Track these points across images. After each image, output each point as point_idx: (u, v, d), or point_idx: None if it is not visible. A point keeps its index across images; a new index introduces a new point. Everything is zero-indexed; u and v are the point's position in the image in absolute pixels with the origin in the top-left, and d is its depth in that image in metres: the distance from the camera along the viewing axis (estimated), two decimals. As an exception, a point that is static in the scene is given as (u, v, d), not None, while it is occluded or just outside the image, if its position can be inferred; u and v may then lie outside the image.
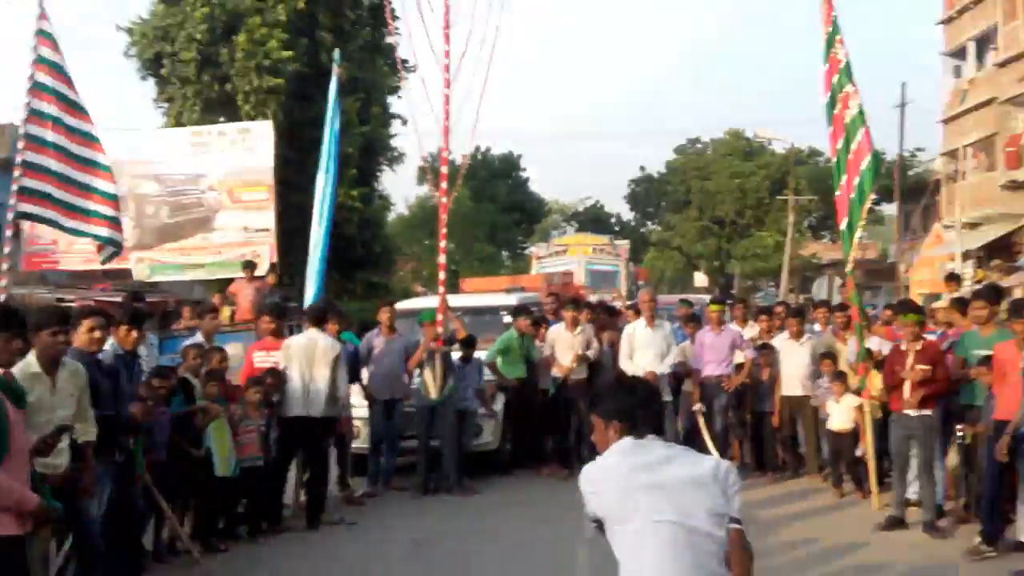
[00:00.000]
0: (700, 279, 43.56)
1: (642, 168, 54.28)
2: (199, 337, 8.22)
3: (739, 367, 9.55)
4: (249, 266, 13.57)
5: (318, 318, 8.36)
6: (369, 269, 23.86)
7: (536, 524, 7.90)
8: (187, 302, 11.73)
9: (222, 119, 20.12)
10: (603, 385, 3.83)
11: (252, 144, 16.96)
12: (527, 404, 9.89)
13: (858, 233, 8.48)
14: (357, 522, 8.03)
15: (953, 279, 12.02)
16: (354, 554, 7.09)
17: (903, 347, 7.45)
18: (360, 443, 9.35)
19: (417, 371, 9.15)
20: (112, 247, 8.23)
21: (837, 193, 8.58)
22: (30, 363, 4.77)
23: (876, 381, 8.05)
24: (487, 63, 9.20)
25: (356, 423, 9.18)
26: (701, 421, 9.32)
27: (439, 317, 9.23)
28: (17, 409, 4.02)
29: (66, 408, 4.95)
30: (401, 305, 10.80)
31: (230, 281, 14.19)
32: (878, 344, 8.62)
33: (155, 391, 6.49)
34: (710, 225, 48.11)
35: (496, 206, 45.92)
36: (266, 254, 16.11)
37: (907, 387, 7.31)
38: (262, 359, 8.21)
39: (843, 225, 8.62)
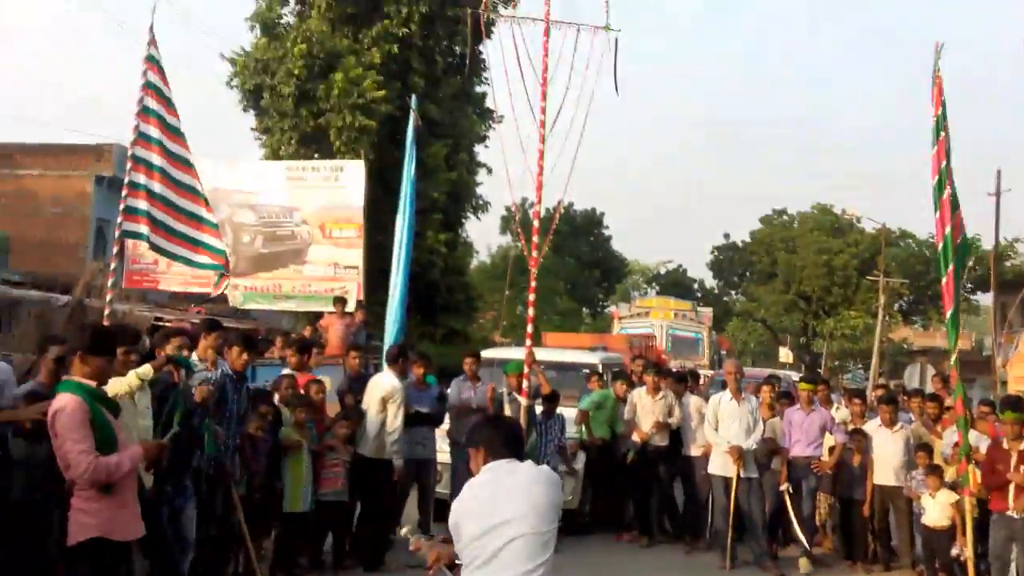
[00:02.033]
0: (785, 354, 42.58)
1: (726, 236, 53.75)
2: (287, 369, 8.32)
3: (830, 450, 9.25)
4: (340, 302, 13.80)
5: (394, 358, 8.41)
6: (451, 315, 24.00)
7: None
8: (278, 332, 11.96)
9: (316, 155, 20.67)
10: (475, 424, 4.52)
11: (344, 181, 17.34)
12: (609, 466, 9.74)
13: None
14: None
15: None
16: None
17: (1005, 445, 7.11)
18: (443, 488, 9.35)
19: (499, 423, 9.09)
20: (215, 270, 8.39)
21: (944, 280, 8.30)
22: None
23: (975, 478, 7.68)
24: (582, 122, 9.14)
25: (440, 467, 9.21)
26: (788, 501, 9.02)
27: (525, 370, 9.20)
28: (115, 417, 4.25)
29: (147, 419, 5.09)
30: (485, 354, 10.81)
31: (319, 315, 14.43)
32: (975, 440, 8.24)
33: (263, 417, 6.58)
34: (796, 300, 47.19)
35: (577, 261, 45.96)
36: (354, 291, 16.36)
37: (1012, 488, 6.96)
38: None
39: (949, 313, 8.32)
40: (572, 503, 9.60)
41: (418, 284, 22.87)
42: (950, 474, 8.38)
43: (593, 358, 11.76)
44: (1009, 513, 6.97)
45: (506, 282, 26.61)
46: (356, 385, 8.43)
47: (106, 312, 7.69)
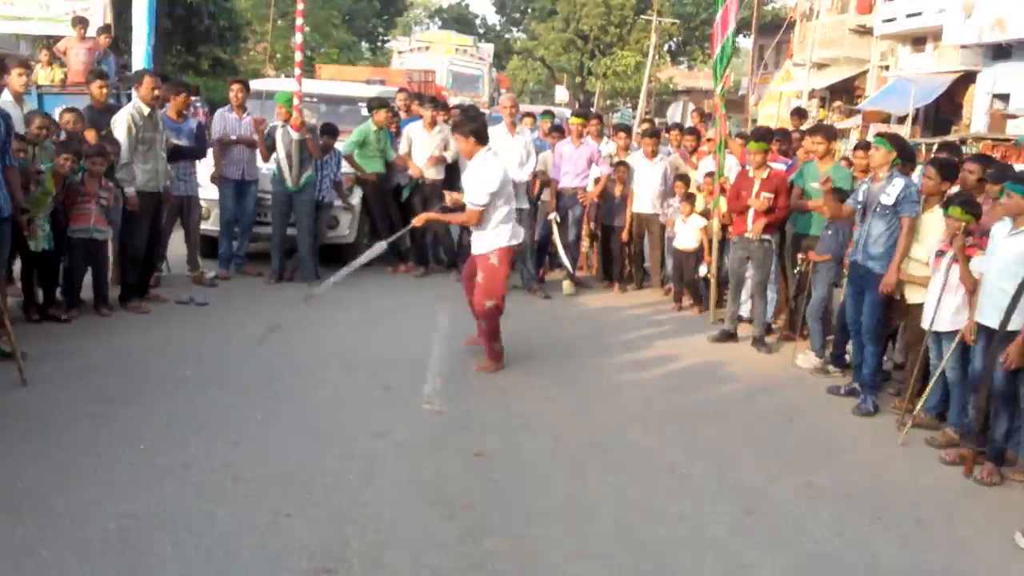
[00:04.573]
0: (561, 93, 43.31)
1: (510, -31, 52.23)
2: (7, 96, 7.37)
3: (595, 181, 9.68)
4: (80, 23, 12.23)
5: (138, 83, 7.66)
6: (215, 44, 22.15)
7: (388, 311, 8.01)
8: (13, 58, 10.53)
9: None
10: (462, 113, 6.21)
11: None
12: (384, 200, 9.74)
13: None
14: (209, 303, 7.85)
15: (798, 114, 12.37)
16: (208, 334, 6.93)
17: (750, 174, 7.72)
18: (210, 225, 9.02)
19: (273, 156, 8.75)
20: None
21: (717, 16, 8.53)
22: None
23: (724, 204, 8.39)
24: None
25: (204, 204, 8.84)
26: (555, 229, 9.49)
27: (296, 102, 8.72)
28: None
29: None
30: (254, 85, 10.13)
31: (59, 39, 12.80)
32: (729, 169, 8.90)
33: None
34: (574, 39, 47.44)
35: (355, -9, 43.21)
36: (99, 11, 14.53)
37: (751, 213, 7.64)
38: None
39: (716, 52, 8.65)
40: (349, 237, 9.62)
41: (176, 7, 20.79)
42: (701, 202, 9.11)
43: (369, 91, 11.35)
44: (747, 235, 7.70)
45: (271, 7, 24.57)
46: (102, 117, 7.68)
47: None
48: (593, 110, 36.99)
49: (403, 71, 18.70)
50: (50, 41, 13.44)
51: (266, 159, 8.83)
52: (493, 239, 6.37)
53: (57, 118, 7.54)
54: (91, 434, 4.76)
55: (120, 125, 7.34)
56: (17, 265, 6.85)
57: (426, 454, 4.85)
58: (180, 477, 4.33)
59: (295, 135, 8.62)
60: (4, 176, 5.72)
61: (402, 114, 10.53)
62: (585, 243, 10.40)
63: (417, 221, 6.83)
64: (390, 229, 9.16)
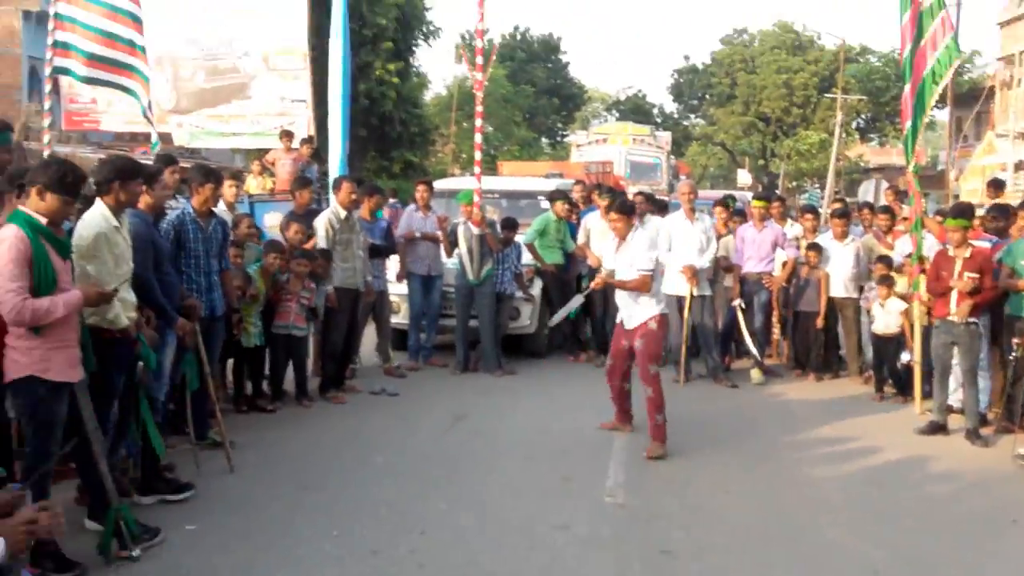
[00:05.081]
0: (744, 177, 42.76)
1: (686, 58, 53.01)
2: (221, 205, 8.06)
3: (783, 265, 9.39)
4: (287, 136, 13.39)
5: (336, 187, 8.26)
6: (406, 148, 23.59)
7: (569, 400, 8.01)
8: (227, 171, 11.65)
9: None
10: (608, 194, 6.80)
11: (285, 9, 16.48)
12: (564, 290, 9.86)
13: (929, 112, 8.20)
14: (399, 393, 8.17)
15: (995, 185, 11.37)
16: (397, 423, 7.21)
17: (950, 252, 7.24)
18: (400, 319, 9.46)
19: (456, 251, 9.11)
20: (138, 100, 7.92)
21: (906, 88, 8.18)
22: (107, 216, 4.58)
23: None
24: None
25: (394, 299, 9.27)
26: (740, 316, 9.22)
27: (476, 199, 9.09)
28: (62, 259, 4.05)
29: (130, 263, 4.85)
30: (438, 185, 10.66)
31: (268, 151, 14.05)
32: (929, 249, 8.38)
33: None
34: (755, 121, 46.93)
35: (534, 90, 44.91)
36: (303, 124, 15.88)
37: (954, 295, 7.13)
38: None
39: (907, 126, 8.27)
40: (530, 328, 9.76)
41: (371, 116, 22.36)
42: (901, 284, 8.58)
43: (548, 185, 11.64)
44: (951, 318, 7.17)
45: (452, 111, 25.94)
46: (303, 220, 8.28)
47: (45, 155, 7.33)
48: (777, 192, 36.25)
49: (581, 163, 19.08)
50: (260, 153, 14.75)
51: (449, 254, 9.22)
52: (650, 308, 6.58)
53: (264, 223, 8.19)
54: (288, 518, 5.00)
55: (320, 227, 7.91)
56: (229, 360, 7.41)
57: (609, 549, 4.73)
58: (369, 563, 4.44)
59: (475, 230, 8.96)
60: (221, 278, 6.26)
61: (581, 205, 10.69)
62: (776, 329, 10.03)
63: (595, 283, 7.17)
64: (570, 321, 9.24)
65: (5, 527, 2.66)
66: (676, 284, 8.84)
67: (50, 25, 7.46)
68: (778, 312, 9.76)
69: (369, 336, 9.14)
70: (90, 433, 4.21)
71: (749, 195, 15.91)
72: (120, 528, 4.27)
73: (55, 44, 7.40)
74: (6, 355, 4.00)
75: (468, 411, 7.61)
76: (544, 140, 48.03)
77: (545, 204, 10.28)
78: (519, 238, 9.58)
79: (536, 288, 9.83)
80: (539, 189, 11.36)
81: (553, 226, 9.80)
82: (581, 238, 9.83)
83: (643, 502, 5.46)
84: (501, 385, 8.59)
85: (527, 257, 9.69)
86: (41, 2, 20.55)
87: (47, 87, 7.98)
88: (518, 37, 47.60)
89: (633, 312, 6.64)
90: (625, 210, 6.75)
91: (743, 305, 9.26)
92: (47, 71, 7.70)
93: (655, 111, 54.91)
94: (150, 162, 6.53)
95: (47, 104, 7.97)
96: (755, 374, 9.17)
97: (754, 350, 9.22)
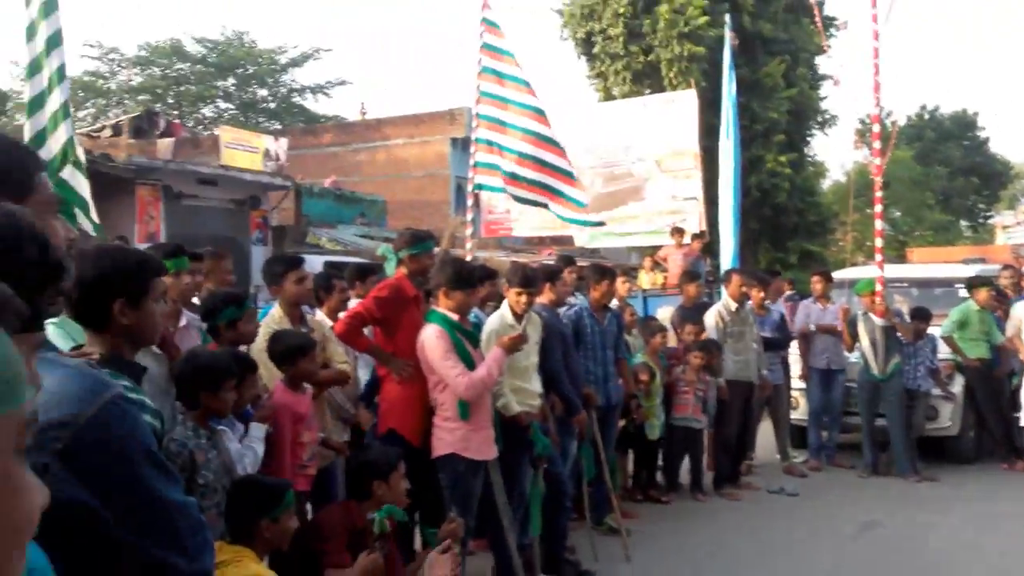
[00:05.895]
0: None
1: None
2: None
3: None
4: (678, 232, 13.65)
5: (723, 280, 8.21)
6: (803, 238, 22.88)
7: (1003, 515, 6.97)
8: (621, 267, 12.18)
9: (648, 90, 20.57)
10: None
11: (677, 113, 17.03)
12: (991, 388, 8.70)
13: None
14: (799, 494, 7.75)
15: None
16: (798, 526, 6.81)
17: None
18: (799, 415, 9.05)
19: (858, 345, 8.52)
20: (576, 224, 8.52)
21: None
22: (505, 315, 5.12)
23: None
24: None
25: (794, 393, 8.94)
26: None
27: (878, 288, 8.46)
28: (474, 348, 4.60)
29: (534, 356, 5.29)
30: (837, 275, 10.13)
31: (660, 248, 14.44)
32: None
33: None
34: None
35: (948, 170, 41.27)
36: (693, 220, 16.13)
37: None
38: None
39: None
40: (951, 430, 8.72)
41: (763, 208, 22.06)
42: None
43: (966, 271, 10.47)
44: None
45: (850, 198, 24.64)
46: (693, 314, 8.33)
47: (468, 259, 8.28)
48: None
49: (1007, 246, 16.98)
50: (653, 250, 15.19)
51: (850, 348, 8.65)
52: None
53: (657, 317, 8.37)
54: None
55: (710, 319, 7.91)
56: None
57: None
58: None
59: (879, 321, 8.32)
60: (617, 367, 6.47)
61: (1009, 292, 9.46)
62: None
63: None
64: (1003, 423, 8.10)
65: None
66: None
67: (471, 148, 8.43)
68: None
69: (767, 432, 8.80)
70: (500, 507, 4.62)
71: None
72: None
73: (476, 164, 8.32)
74: (434, 434, 4.58)
75: (879, 519, 6.92)
76: (963, 223, 43.66)
77: (963, 292, 9.27)
78: (934, 330, 8.70)
79: (957, 385, 8.79)
80: (955, 276, 10.27)
81: (976, 316, 8.78)
82: (1010, 330, 8.66)
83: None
84: (918, 492, 7.72)
85: (944, 350, 8.74)
86: (466, 129, 23.63)
87: (469, 201, 8.99)
88: (926, 116, 44.35)
89: None
90: None
91: None
92: (469, 188, 8.68)
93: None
94: (552, 262, 7.07)
95: (469, 216, 8.95)
96: None
97: None
